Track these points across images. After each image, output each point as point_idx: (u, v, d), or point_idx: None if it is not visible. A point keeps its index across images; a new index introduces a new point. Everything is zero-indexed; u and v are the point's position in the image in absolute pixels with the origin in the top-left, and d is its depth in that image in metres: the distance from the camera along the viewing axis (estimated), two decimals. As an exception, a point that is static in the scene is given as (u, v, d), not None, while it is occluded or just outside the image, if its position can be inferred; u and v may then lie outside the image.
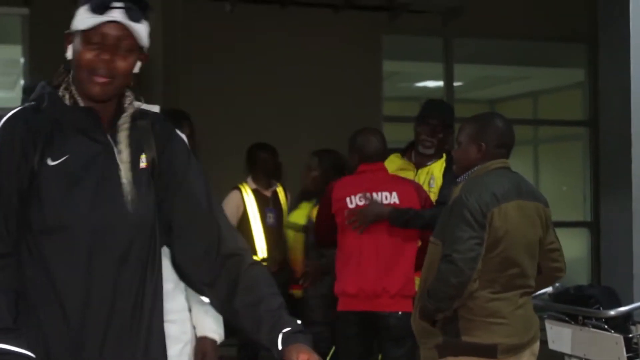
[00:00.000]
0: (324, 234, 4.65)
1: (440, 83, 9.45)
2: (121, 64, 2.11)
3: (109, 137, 2.17)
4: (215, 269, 2.21)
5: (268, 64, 8.10)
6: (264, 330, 2.12)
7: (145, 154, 2.20)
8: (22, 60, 7.50)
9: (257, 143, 6.14)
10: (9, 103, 10.17)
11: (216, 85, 7.89)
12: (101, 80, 2.11)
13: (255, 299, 2.16)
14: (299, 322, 2.14)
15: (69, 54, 2.17)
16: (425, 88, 10.92)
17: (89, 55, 2.10)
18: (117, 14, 2.08)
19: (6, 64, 9.86)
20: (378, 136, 4.68)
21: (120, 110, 2.20)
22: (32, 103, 2.22)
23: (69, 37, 2.16)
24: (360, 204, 4.40)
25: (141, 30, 2.12)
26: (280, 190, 6.12)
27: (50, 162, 2.12)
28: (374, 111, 8.55)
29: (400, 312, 4.31)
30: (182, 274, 2.27)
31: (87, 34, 2.09)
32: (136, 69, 2.17)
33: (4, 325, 2.08)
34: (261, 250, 5.90)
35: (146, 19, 2.14)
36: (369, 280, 4.35)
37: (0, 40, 8.70)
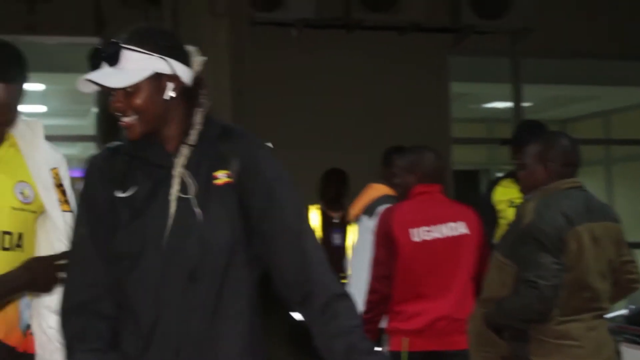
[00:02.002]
0: (384, 262, 4.19)
1: (509, 104, 9.37)
2: (135, 101, 2.16)
3: (174, 160, 2.19)
4: (305, 291, 2.18)
5: (334, 88, 8.14)
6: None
7: (222, 169, 2.20)
8: (94, 88, 7.64)
9: (329, 169, 6.23)
10: (81, 131, 10.38)
11: (282, 109, 7.95)
12: (125, 122, 2.20)
13: (335, 331, 2.14)
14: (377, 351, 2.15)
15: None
16: (493, 109, 10.85)
17: (110, 104, 2.21)
18: (103, 68, 2.21)
19: (79, 93, 10.07)
20: (435, 154, 4.36)
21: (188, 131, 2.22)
22: (115, 143, 2.35)
23: None
24: (427, 238, 4.11)
25: (131, 64, 2.16)
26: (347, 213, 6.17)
27: (122, 194, 2.19)
28: (442, 133, 8.50)
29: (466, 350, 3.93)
30: (275, 289, 2.26)
31: None
32: (166, 95, 2.18)
33: (87, 347, 2.17)
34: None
35: (141, 45, 2.18)
36: (439, 315, 4.10)
37: (72, 69, 8.89)
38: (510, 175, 4.75)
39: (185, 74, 2.20)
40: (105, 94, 2.20)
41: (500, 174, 5.52)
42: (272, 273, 2.23)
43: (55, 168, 2.39)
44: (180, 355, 2.15)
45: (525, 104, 9.47)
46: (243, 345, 2.21)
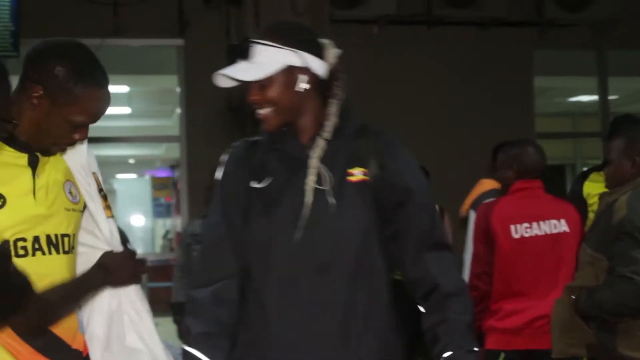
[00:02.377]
0: (484, 259, 4.12)
1: (595, 97, 9.19)
2: (269, 93, 2.22)
3: (309, 153, 2.24)
4: (426, 287, 2.23)
5: (415, 84, 8.09)
6: (435, 352, 2.19)
7: (359, 167, 2.23)
8: (178, 89, 7.76)
9: None
10: (166, 131, 10.54)
11: (363, 106, 7.93)
12: (261, 114, 2.25)
13: (439, 319, 2.20)
14: (472, 348, 2.17)
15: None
16: (579, 103, 10.64)
17: (248, 97, 2.26)
18: (239, 63, 2.24)
19: (163, 94, 10.23)
20: (536, 149, 4.19)
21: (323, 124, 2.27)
22: (255, 138, 2.39)
23: None
24: (527, 235, 4.02)
25: (264, 57, 2.20)
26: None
27: (257, 185, 2.26)
28: (526, 128, 8.38)
29: None
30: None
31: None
32: (299, 87, 2.22)
33: (203, 329, 2.23)
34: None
35: (273, 39, 2.21)
36: (538, 314, 3.99)
37: (157, 70, 9.04)
38: (599, 168, 4.64)
39: (318, 66, 2.23)
40: (242, 88, 2.28)
41: (585, 168, 5.41)
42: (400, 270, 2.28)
43: (95, 172, 2.38)
44: (309, 350, 2.18)
45: (612, 97, 9.27)
46: (378, 346, 2.23)
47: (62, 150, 2.27)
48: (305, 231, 2.18)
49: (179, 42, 7.58)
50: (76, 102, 2.16)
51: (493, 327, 4.09)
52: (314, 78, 2.23)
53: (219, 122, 7.49)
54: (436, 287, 2.21)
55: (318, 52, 2.25)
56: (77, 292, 2.27)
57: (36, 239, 2.19)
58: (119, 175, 15.33)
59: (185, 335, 2.28)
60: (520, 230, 4.04)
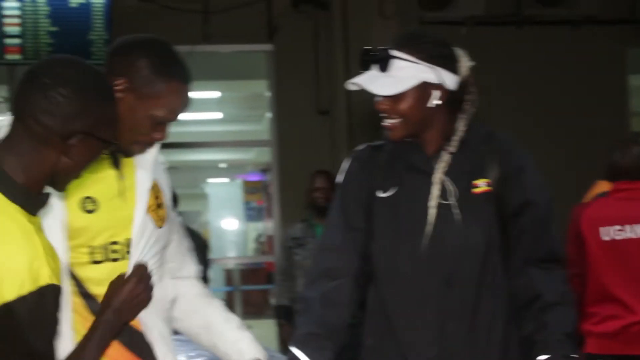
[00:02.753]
0: (575, 261, 3.96)
1: (693, 95, 8.92)
2: (400, 106, 2.20)
3: (434, 166, 2.24)
4: (529, 296, 2.22)
5: (505, 85, 7.98)
6: (532, 356, 2.17)
7: (483, 178, 2.22)
8: (267, 94, 7.83)
9: None
10: (256, 136, 10.65)
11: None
12: (388, 124, 2.24)
13: (538, 326, 2.19)
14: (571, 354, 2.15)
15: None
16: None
17: (376, 104, 2.25)
18: (371, 71, 2.23)
19: (253, 99, 10.34)
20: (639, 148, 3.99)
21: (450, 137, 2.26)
22: (378, 142, 2.39)
23: None
24: (618, 238, 3.90)
25: (401, 72, 2.18)
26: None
27: (382, 194, 2.27)
28: (621, 128, 8.18)
29: None
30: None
31: None
32: (431, 103, 2.21)
33: (309, 330, 2.24)
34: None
35: (411, 52, 2.19)
36: (635, 319, 3.89)
37: (247, 75, 9.14)
38: None
39: (451, 81, 2.23)
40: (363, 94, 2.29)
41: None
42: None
43: (156, 180, 2.35)
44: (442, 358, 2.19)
45: None
46: (500, 357, 2.22)
47: (141, 150, 2.24)
48: (431, 244, 2.18)
49: (268, 47, 7.64)
50: (159, 96, 2.14)
51: (590, 331, 4.00)
52: (446, 93, 2.22)
53: (309, 126, 7.52)
54: (538, 297, 2.20)
55: (453, 67, 2.25)
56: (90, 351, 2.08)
57: (127, 242, 2.21)
58: (211, 180, 15.54)
59: (292, 334, 2.30)
60: (610, 233, 3.93)
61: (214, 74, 8.83)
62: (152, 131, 2.18)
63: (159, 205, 2.31)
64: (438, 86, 2.20)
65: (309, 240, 5.69)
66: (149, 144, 2.23)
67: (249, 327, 2.46)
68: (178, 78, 2.19)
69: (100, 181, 2.19)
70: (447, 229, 2.18)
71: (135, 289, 2.13)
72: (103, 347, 2.08)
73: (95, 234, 2.16)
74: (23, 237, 1.70)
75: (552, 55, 8.12)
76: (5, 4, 6.91)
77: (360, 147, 2.42)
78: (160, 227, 2.29)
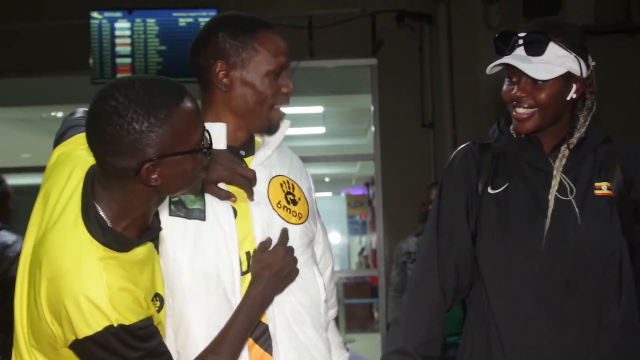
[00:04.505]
0: None
1: None
2: (541, 95, 2.12)
3: (553, 163, 2.17)
4: None
5: (617, 95, 7.79)
6: None
7: (605, 181, 2.15)
8: (372, 108, 7.84)
9: None
10: (360, 150, 10.67)
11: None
12: (520, 113, 2.14)
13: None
14: None
15: None
16: None
17: (506, 91, 2.17)
18: (517, 53, 2.13)
19: (357, 113, 10.37)
20: None
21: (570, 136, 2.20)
22: (484, 141, 2.33)
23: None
24: None
25: (552, 58, 2.10)
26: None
27: (491, 191, 2.20)
28: None
29: None
30: None
31: (506, 72, 2.17)
32: (570, 96, 2.15)
33: (398, 347, 2.20)
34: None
35: (564, 41, 2.13)
36: None
37: (351, 90, 9.17)
38: None
39: (586, 76, 2.19)
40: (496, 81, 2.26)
41: None
42: None
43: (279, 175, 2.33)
44: None
45: None
46: None
47: (281, 115, 2.22)
48: (548, 242, 2.09)
49: (372, 61, 7.65)
50: (257, 52, 2.12)
51: None
52: (582, 87, 2.18)
53: (413, 139, 7.49)
54: None
55: (587, 61, 2.20)
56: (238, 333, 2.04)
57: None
58: (316, 194, 15.62)
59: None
60: None
61: (318, 89, 8.88)
62: (278, 88, 2.18)
63: (292, 201, 2.25)
64: (578, 79, 2.15)
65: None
66: (284, 103, 2.22)
67: (352, 341, 2.45)
68: (260, 27, 2.16)
69: (234, 188, 2.16)
70: (567, 227, 2.09)
71: (285, 255, 2.11)
72: (252, 321, 2.05)
73: (239, 244, 2.12)
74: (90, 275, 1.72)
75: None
76: (117, 25, 7.12)
77: (466, 144, 2.36)
78: (298, 224, 2.23)
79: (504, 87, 2.16)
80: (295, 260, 2.14)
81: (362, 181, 14.40)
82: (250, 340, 2.10)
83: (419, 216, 5.94)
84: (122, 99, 1.72)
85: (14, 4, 7.51)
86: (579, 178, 2.14)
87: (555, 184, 2.12)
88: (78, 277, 1.71)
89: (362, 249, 14.72)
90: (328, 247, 2.45)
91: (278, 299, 2.13)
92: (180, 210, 2.10)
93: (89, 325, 1.71)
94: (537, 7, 7.52)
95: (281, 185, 2.25)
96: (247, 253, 2.12)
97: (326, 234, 2.46)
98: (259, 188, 2.19)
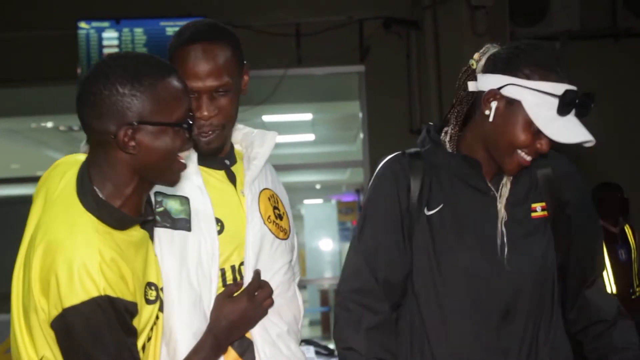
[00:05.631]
0: None
1: None
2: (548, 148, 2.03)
3: (490, 185, 2.10)
4: (588, 318, 2.18)
5: (602, 99, 7.83)
6: None
7: (539, 202, 2.11)
8: (360, 115, 7.86)
9: (602, 183, 6.13)
10: (350, 157, 10.69)
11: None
12: (527, 162, 2.04)
13: (606, 350, 2.15)
14: None
15: (491, 115, 2.03)
16: None
17: (525, 138, 2.00)
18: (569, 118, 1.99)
19: (346, 120, 10.39)
20: None
21: None
22: (413, 149, 2.22)
23: (492, 96, 2.03)
24: None
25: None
26: (627, 228, 6.06)
27: (427, 212, 2.10)
28: None
29: None
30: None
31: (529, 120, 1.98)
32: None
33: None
34: (610, 286, 5.76)
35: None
36: None
37: (339, 97, 9.19)
38: None
39: None
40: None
41: None
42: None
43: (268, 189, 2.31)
44: None
45: None
46: None
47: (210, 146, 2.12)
48: (488, 272, 2.05)
49: (360, 68, 7.67)
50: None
51: None
52: None
53: (402, 146, 7.44)
54: (599, 318, 2.15)
55: None
56: None
57: (241, 264, 2.15)
58: (306, 201, 15.63)
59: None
60: None
61: (307, 97, 8.90)
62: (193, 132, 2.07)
63: (279, 216, 2.23)
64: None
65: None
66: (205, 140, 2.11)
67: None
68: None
69: (222, 199, 2.15)
70: (509, 251, 2.04)
71: (247, 307, 2.07)
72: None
73: (224, 258, 2.11)
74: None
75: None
76: (105, 35, 7.12)
77: (394, 155, 2.23)
78: (284, 239, 2.22)
79: (525, 135, 1.99)
80: (258, 307, 2.09)
81: (353, 187, 14.42)
82: (235, 354, 2.11)
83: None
84: (111, 64, 1.79)
85: (1, 14, 7.51)
86: (517, 202, 2.09)
87: (501, 216, 2.07)
88: (72, 245, 1.73)
89: (353, 256, 14.74)
90: (296, 260, 2.43)
91: (264, 318, 2.14)
92: (166, 220, 2.09)
93: (77, 293, 1.71)
94: (523, 13, 7.57)
95: (269, 199, 2.24)
96: (232, 267, 2.12)
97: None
98: (252, 202, 2.17)
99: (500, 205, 2.08)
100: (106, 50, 7.08)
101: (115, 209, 1.81)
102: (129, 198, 1.84)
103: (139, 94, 1.77)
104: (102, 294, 1.71)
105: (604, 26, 7.85)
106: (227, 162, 2.21)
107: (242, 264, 2.13)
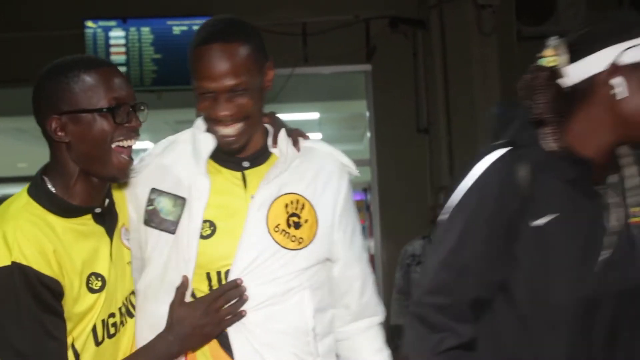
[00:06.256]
0: None
1: None
2: None
3: (601, 191, 1.89)
4: None
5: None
6: None
7: (638, 206, 1.90)
8: (367, 114, 7.85)
9: None
10: (357, 156, 10.67)
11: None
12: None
13: None
14: None
15: (623, 90, 1.79)
16: None
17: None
18: None
19: (353, 119, 10.38)
20: None
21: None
22: (509, 147, 1.89)
23: (612, 72, 1.80)
24: None
25: None
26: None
27: (532, 223, 1.83)
28: None
29: None
30: None
31: None
32: None
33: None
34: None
35: None
36: None
37: (346, 96, 9.18)
38: None
39: None
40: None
41: None
42: None
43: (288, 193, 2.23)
44: None
45: None
46: None
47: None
48: (592, 290, 1.84)
49: (367, 67, 7.66)
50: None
51: None
52: None
53: (409, 144, 7.51)
54: None
55: None
56: None
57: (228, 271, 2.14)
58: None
59: None
60: None
61: (314, 96, 8.90)
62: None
63: (295, 224, 2.14)
64: None
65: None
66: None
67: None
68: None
69: (226, 201, 2.12)
70: (612, 271, 1.83)
71: (199, 315, 2.04)
72: None
73: (209, 262, 2.09)
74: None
75: None
76: (112, 34, 7.13)
77: (497, 153, 1.87)
78: (296, 249, 2.13)
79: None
80: (218, 318, 2.05)
81: (360, 187, 14.39)
82: None
83: (427, 220, 5.93)
84: (49, 66, 1.97)
85: (9, 14, 7.53)
86: (624, 204, 1.89)
87: (613, 213, 1.87)
88: (2, 217, 1.86)
89: (361, 255, 14.71)
90: (373, 298, 2.36)
91: (250, 325, 2.10)
92: (153, 220, 2.11)
93: None
94: (530, 12, 7.55)
95: (286, 205, 2.15)
96: (219, 272, 2.10)
97: (364, 251, 2.35)
98: (257, 211, 2.12)
99: (617, 212, 1.88)
100: (113, 50, 7.09)
101: (57, 197, 1.93)
102: (74, 189, 1.96)
103: (65, 86, 1.92)
104: (15, 260, 1.79)
105: (611, 25, 7.83)
106: (247, 163, 2.16)
107: (228, 271, 2.09)
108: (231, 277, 2.08)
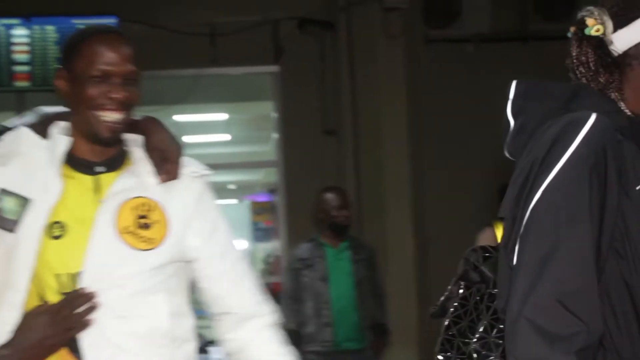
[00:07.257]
0: None
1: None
2: None
3: None
4: None
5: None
6: None
7: None
8: (273, 115, 7.87)
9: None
10: (264, 157, 10.66)
11: (460, 126, 7.88)
12: None
13: None
14: None
15: None
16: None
17: None
18: None
19: (261, 120, 10.37)
20: None
21: None
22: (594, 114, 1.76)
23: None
24: None
25: None
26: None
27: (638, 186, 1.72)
28: None
29: None
30: None
31: None
32: None
33: None
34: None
35: None
36: None
37: (254, 97, 9.17)
38: None
39: None
40: None
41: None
42: None
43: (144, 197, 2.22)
44: None
45: None
46: None
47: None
48: None
49: (274, 68, 7.68)
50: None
51: None
52: None
53: (315, 146, 7.55)
54: None
55: None
56: None
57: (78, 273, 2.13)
58: (220, 201, 15.52)
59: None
60: None
61: (222, 97, 8.86)
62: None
63: (144, 226, 2.14)
64: None
65: (317, 260, 5.55)
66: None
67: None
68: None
69: (75, 204, 2.11)
70: None
71: (44, 330, 1.97)
72: None
73: (59, 263, 2.06)
74: None
75: (558, 71, 8.12)
76: (15, 32, 6.97)
77: (599, 121, 1.74)
78: (147, 249, 2.12)
79: None
80: (64, 327, 2.01)
81: (267, 188, 14.39)
82: None
83: (315, 223, 5.90)
84: None
85: None
86: None
87: None
88: None
89: (267, 256, 14.69)
90: (235, 258, 2.43)
91: (102, 329, 2.06)
92: None
93: None
94: (437, 15, 7.68)
95: (135, 208, 2.15)
96: (71, 275, 2.07)
97: (231, 249, 2.43)
98: (105, 215, 2.11)
99: None
100: (16, 48, 6.93)
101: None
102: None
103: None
104: None
105: (513, 30, 8.01)
106: (102, 168, 2.16)
107: (79, 273, 2.06)
108: (82, 280, 2.06)
